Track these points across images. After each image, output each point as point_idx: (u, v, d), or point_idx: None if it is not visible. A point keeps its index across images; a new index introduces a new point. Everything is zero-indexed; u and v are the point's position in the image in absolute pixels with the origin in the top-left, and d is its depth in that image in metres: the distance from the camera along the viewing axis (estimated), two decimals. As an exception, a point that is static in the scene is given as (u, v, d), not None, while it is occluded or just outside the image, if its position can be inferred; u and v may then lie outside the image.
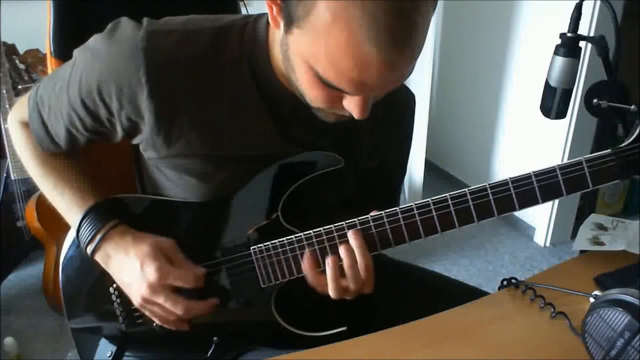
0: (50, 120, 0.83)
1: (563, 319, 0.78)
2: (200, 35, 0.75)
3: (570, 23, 0.89)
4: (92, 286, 0.89)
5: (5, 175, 1.89)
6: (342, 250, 0.75)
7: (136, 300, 0.81)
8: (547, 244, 2.46)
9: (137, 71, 0.72)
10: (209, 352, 0.83)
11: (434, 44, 2.75)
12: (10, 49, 1.86)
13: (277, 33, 0.70)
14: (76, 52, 0.79)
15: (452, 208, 0.73)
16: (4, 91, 1.78)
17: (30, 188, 1.90)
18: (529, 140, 2.46)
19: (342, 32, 0.58)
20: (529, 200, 0.72)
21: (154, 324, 0.85)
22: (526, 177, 0.72)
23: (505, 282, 0.87)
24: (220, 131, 0.77)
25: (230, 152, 0.79)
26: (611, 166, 0.71)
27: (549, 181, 0.72)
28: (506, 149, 2.62)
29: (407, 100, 0.91)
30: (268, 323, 0.83)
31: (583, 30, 1.12)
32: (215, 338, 0.83)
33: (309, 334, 0.82)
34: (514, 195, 0.72)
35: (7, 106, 1.78)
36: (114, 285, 0.86)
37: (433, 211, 0.73)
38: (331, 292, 0.77)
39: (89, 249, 0.81)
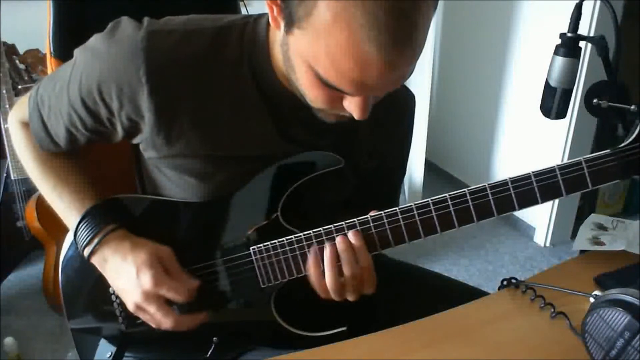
0: (50, 120, 0.83)
1: (563, 319, 0.78)
2: (201, 35, 0.75)
3: (570, 23, 0.89)
4: (92, 286, 0.89)
5: (5, 175, 1.89)
6: (340, 248, 0.75)
7: (129, 306, 0.81)
8: (547, 244, 2.46)
9: (137, 71, 0.72)
10: (209, 352, 0.83)
11: (434, 44, 2.75)
12: (10, 49, 1.86)
13: (277, 33, 0.70)
14: (76, 52, 0.79)
15: (451, 208, 0.73)
16: (4, 91, 1.78)
17: (30, 188, 1.90)
18: (529, 140, 2.46)
19: (343, 32, 0.58)
20: (528, 200, 0.72)
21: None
22: (526, 177, 0.72)
23: (505, 282, 0.87)
24: (220, 131, 0.77)
25: (230, 152, 0.79)
26: (611, 166, 0.71)
27: (549, 181, 0.72)
28: (506, 149, 2.62)
29: (407, 100, 0.91)
30: (268, 323, 0.83)
31: (583, 30, 1.12)
32: (215, 338, 0.83)
33: (309, 334, 0.82)
34: (513, 195, 0.72)
35: (7, 106, 1.78)
36: (114, 286, 0.86)
37: (433, 211, 0.73)
38: (332, 293, 0.77)
39: (86, 252, 0.81)
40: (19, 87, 1.81)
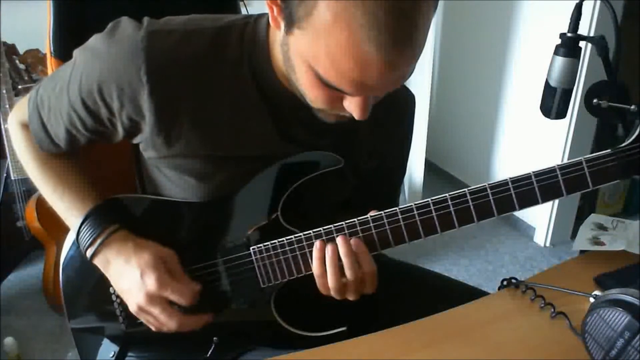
0: (50, 121, 0.83)
1: (563, 319, 0.78)
2: (201, 35, 0.75)
3: (570, 23, 0.89)
4: (92, 286, 0.89)
5: (5, 175, 1.89)
6: (342, 250, 0.75)
7: (132, 308, 0.81)
8: (547, 244, 2.46)
9: (137, 71, 0.72)
10: (209, 352, 0.83)
11: (434, 44, 2.75)
12: (10, 49, 1.86)
13: (277, 33, 0.70)
14: (76, 52, 0.79)
15: (452, 208, 0.73)
16: (4, 91, 1.78)
17: (30, 188, 1.90)
18: (529, 140, 2.46)
19: (343, 32, 0.58)
20: (528, 200, 0.72)
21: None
22: (526, 177, 0.72)
23: (505, 282, 0.87)
24: (221, 131, 0.77)
25: (230, 152, 0.79)
26: (611, 166, 0.71)
27: (549, 181, 0.72)
28: (506, 149, 2.62)
29: (407, 100, 0.91)
30: (268, 323, 0.83)
31: (583, 30, 1.12)
32: (215, 338, 0.83)
33: (309, 334, 0.82)
34: (513, 196, 0.72)
35: (7, 106, 1.78)
36: (114, 286, 0.86)
37: (433, 211, 0.73)
38: (333, 292, 0.77)
39: (89, 253, 0.81)
40: (19, 87, 1.81)
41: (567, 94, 0.91)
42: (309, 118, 0.75)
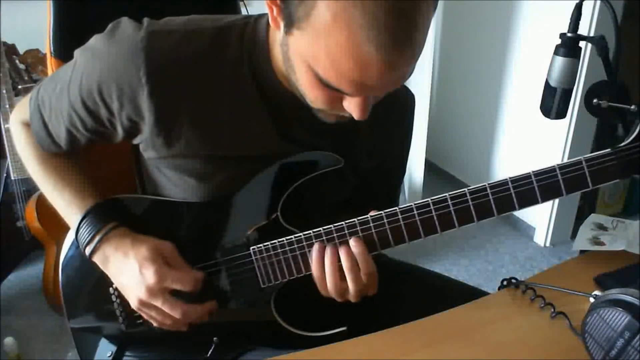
0: (51, 121, 0.83)
1: (563, 319, 0.78)
2: (201, 35, 0.75)
3: (570, 23, 0.89)
4: (92, 286, 0.89)
5: (5, 175, 1.89)
6: (342, 253, 0.75)
7: (133, 303, 0.81)
8: (547, 244, 2.46)
9: (137, 71, 0.72)
10: (209, 352, 0.83)
11: (434, 44, 2.75)
12: (10, 49, 1.86)
13: (277, 34, 0.70)
14: (77, 53, 0.80)
15: (451, 208, 0.73)
16: (4, 91, 1.78)
17: (30, 188, 1.90)
18: (529, 140, 2.46)
19: (342, 32, 0.58)
20: (528, 200, 0.72)
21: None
22: (526, 177, 0.72)
23: (505, 282, 0.87)
24: (220, 131, 0.77)
25: (230, 152, 0.79)
26: (611, 166, 0.71)
27: (549, 181, 0.72)
28: (506, 149, 2.62)
29: (407, 100, 0.91)
30: (268, 323, 0.83)
31: (583, 30, 1.12)
32: (215, 338, 0.83)
33: (309, 334, 0.82)
34: (513, 195, 0.72)
35: (7, 106, 1.78)
36: (114, 286, 0.86)
37: (433, 211, 0.73)
38: (333, 295, 0.77)
39: (88, 250, 0.81)
40: (19, 87, 1.81)
41: (567, 94, 0.91)
42: (309, 118, 0.75)
